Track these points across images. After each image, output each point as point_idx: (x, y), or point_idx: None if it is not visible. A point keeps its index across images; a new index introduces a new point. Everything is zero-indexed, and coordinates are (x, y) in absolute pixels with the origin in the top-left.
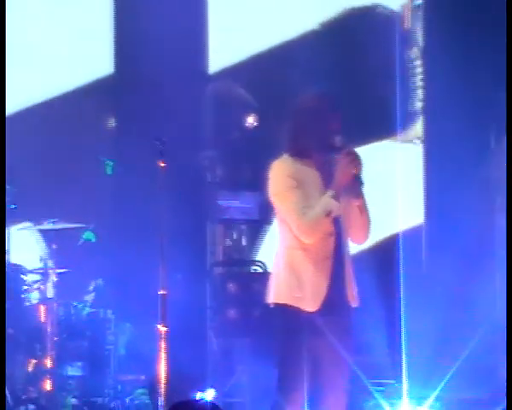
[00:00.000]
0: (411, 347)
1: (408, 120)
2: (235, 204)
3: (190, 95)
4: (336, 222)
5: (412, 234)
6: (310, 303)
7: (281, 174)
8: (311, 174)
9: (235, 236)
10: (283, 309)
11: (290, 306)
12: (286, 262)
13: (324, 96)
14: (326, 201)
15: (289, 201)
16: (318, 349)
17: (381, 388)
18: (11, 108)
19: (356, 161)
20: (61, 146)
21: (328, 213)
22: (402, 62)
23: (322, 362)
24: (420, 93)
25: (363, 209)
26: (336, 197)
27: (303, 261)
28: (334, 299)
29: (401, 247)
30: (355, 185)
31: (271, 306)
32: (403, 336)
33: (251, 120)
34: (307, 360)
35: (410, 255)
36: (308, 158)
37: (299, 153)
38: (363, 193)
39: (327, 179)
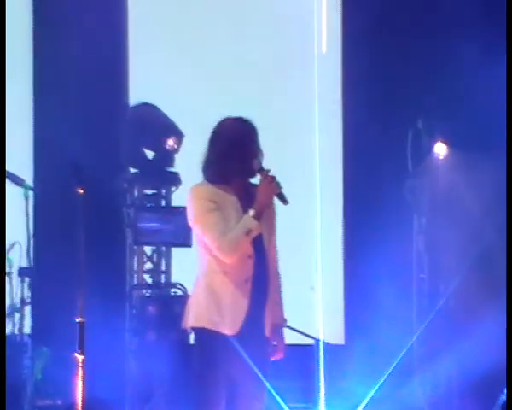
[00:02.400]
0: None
1: None
2: (155, 227)
3: (108, 119)
4: (256, 244)
5: None
6: (228, 327)
7: (199, 197)
8: (230, 198)
9: (155, 258)
10: (202, 333)
11: (209, 329)
12: (205, 285)
13: (241, 122)
14: (246, 219)
15: (209, 222)
16: (236, 373)
17: None
18: None
19: (275, 181)
20: None
21: (248, 232)
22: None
23: (239, 386)
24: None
25: None
26: (257, 217)
27: (222, 284)
28: (253, 322)
29: None
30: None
31: (189, 330)
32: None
33: (171, 143)
34: (225, 384)
35: None
36: (226, 183)
37: (216, 179)
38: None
39: (245, 203)
